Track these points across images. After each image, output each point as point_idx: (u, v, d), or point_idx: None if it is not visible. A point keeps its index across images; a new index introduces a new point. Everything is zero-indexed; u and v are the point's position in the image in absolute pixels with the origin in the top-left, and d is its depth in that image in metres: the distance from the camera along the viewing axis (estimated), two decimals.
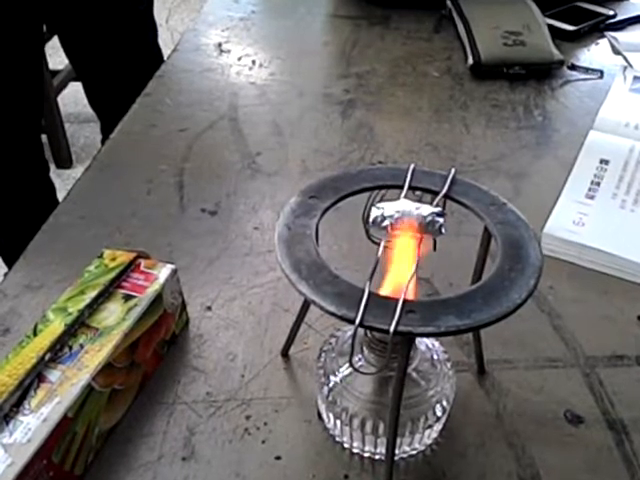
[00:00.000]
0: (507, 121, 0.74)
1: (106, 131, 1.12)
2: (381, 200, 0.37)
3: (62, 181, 1.81)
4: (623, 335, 0.50)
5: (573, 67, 0.83)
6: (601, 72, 0.82)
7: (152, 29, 1.12)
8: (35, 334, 0.42)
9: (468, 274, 0.42)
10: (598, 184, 0.62)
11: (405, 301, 0.31)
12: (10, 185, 1.11)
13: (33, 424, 0.37)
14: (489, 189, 0.39)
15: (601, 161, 0.65)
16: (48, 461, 0.37)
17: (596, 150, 0.66)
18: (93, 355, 0.41)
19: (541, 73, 0.82)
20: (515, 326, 0.48)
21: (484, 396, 0.45)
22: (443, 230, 0.35)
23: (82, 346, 0.41)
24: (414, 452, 0.42)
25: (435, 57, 0.87)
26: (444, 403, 0.40)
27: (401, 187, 0.39)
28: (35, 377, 0.39)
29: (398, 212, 0.35)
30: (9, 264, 1.18)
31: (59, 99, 1.89)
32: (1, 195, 1.12)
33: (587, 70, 0.83)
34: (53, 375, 0.40)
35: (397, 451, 0.40)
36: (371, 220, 0.35)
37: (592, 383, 0.46)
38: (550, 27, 0.88)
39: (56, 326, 0.42)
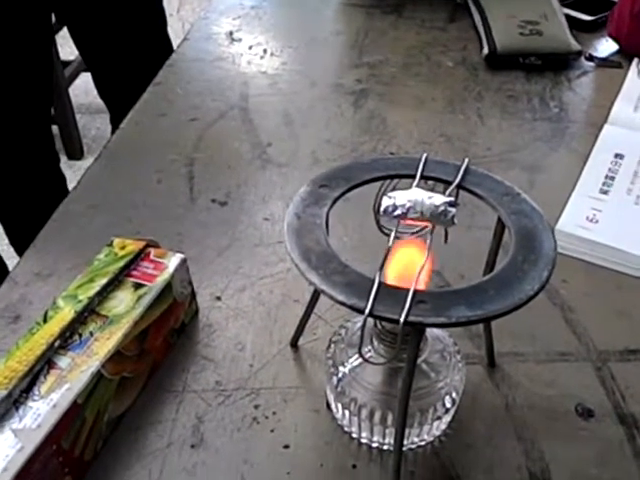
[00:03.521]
0: (522, 112, 0.73)
1: (115, 122, 1.12)
2: (393, 190, 0.37)
3: (73, 172, 1.82)
4: (636, 330, 0.49)
5: (591, 58, 0.82)
6: (619, 63, 0.81)
7: (161, 19, 1.11)
8: (45, 321, 0.42)
9: (480, 267, 0.42)
10: (612, 179, 0.61)
11: (416, 291, 0.31)
12: (20, 176, 1.11)
13: (43, 410, 0.37)
14: (503, 179, 0.38)
15: (616, 155, 0.64)
16: (57, 446, 0.37)
17: (610, 144, 0.65)
18: (103, 343, 0.41)
19: (558, 64, 0.81)
20: (526, 319, 0.48)
21: (494, 389, 0.45)
22: (455, 220, 0.34)
23: (92, 334, 0.41)
24: (423, 443, 0.42)
25: (450, 47, 0.86)
26: (453, 395, 0.40)
27: (413, 177, 0.38)
28: (45, 363, 0.39)
29: (410, 201, 0.34)
30: (20, 253, 1.19)
31: (70, 90, 1.90)
32: (12, 186, 1.12)
33: (605, 61, 0.82)
34: (63, 362, 0.40)
35: (405, 442, 0.40)
36: (382, 210, 0.35)
37: (604, 377, 0.46)
38: (567, 17, 0.86)
39: (66, 313, 0.42)
